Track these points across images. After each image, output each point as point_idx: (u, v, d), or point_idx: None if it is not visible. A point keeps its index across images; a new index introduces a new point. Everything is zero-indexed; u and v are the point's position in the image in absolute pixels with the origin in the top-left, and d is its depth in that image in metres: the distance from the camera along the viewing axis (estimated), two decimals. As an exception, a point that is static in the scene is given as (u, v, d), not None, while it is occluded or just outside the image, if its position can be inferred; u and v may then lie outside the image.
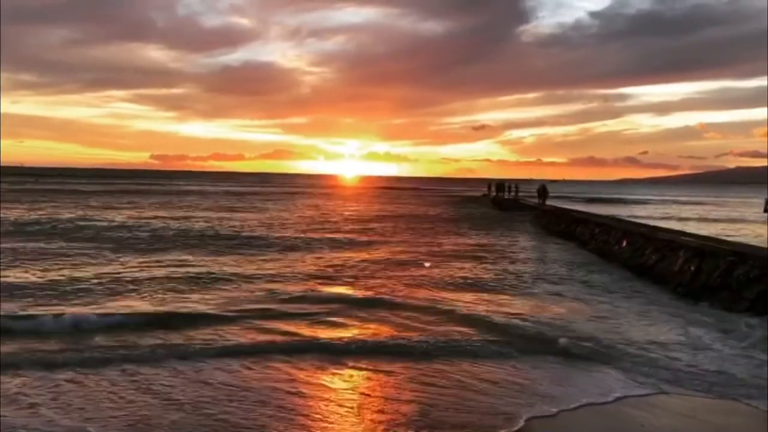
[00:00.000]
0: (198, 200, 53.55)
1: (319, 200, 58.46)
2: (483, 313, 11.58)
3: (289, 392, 7.32)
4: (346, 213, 40.45)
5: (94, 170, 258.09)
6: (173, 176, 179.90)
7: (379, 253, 20.41)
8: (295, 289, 13.86)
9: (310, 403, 7.00)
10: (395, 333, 10.06)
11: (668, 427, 6.57)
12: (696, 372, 8.34)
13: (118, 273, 15.38)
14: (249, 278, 15.10)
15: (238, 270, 16.37)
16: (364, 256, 19.80)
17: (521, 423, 6.53)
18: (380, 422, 6.50)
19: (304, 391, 7.40)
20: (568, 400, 7.24)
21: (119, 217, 32.55)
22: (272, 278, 15.12)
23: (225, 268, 16.52)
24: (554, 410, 6.90)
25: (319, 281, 15.14)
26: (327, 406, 6.97)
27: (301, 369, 8.20)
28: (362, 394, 7.39)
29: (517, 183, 62.34)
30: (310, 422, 6.46)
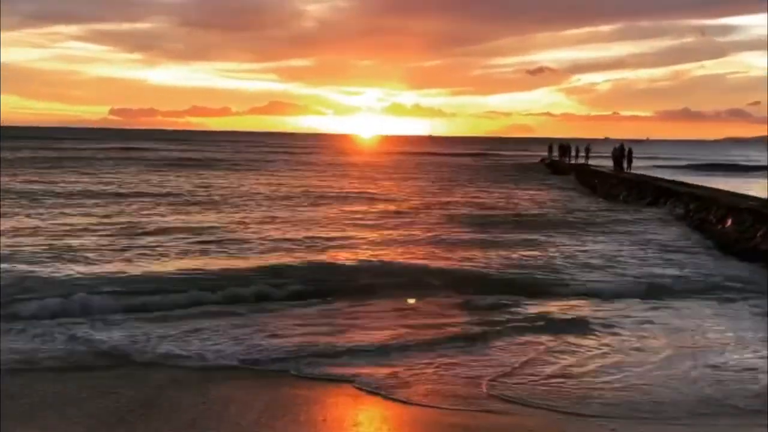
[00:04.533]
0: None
1: (320, 180, 37.89)
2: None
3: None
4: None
5: (40, 129, 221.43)
6: (141, 136, 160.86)
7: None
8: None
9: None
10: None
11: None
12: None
13: None
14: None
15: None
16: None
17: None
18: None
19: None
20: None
21: None
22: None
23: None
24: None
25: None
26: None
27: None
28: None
29: (588, 144, 52.58)
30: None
